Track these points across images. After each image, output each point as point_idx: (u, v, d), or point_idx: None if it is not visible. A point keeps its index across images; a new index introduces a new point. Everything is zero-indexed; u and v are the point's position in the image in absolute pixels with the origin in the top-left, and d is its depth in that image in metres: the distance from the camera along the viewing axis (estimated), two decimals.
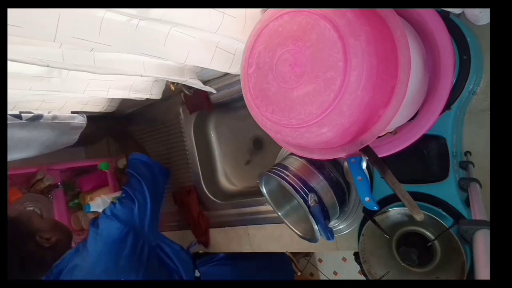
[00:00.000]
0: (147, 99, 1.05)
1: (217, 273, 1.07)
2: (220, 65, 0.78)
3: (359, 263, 0.75)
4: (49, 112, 0.98)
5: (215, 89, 1.02)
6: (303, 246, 0.86)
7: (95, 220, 0.90)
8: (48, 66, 0.63)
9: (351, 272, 1.81)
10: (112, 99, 1.09)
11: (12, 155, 0.99)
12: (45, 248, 0.85)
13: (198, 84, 0.95)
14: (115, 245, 0.87)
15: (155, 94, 1.06)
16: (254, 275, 1.13)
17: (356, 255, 0.77)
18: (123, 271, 0.86)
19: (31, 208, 1.15)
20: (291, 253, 1.22)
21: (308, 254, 1.91)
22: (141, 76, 0.79)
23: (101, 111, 1.11)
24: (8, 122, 0.88)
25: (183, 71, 0.91)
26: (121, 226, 0.88)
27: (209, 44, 0.74)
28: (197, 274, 1.04)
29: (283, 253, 1.32)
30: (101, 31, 0.57)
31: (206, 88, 0.98)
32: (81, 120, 1.07)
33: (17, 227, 0.82)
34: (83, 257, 0.86)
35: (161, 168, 1.07)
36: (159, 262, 0.97)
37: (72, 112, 1.05)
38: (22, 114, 0.92)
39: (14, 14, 0.47)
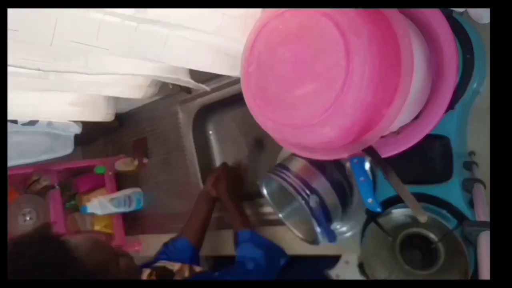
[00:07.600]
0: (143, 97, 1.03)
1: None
2: (221, 69, 0.76)
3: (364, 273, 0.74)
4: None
5: (215, 88, 1.00)
6: (305, 248, 0.85)
7: None
8: (39, 69, 0.61)
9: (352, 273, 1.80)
10: (109, 106, 1.07)
11: (9, 162, 0.98)
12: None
13: (190, 83, 0.92)
14: None
15: (150, 93, 1.03)
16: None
17: (360, 265, 0.76)
18: None
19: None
20: None
21: None
22: (133, 75, 0.77)
23: (101, 120, 1.09)
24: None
25: (177, 69, 0.89)
26: None
27: (210, 47, 0.73)
28: None
29: None
30: (99, 35, 0.56)
31: (200, 87, 0.95)
32: (76, 130, 1.07)
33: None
34: None
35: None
36: None
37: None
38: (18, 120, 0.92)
39: (10, 17, 0.46)
